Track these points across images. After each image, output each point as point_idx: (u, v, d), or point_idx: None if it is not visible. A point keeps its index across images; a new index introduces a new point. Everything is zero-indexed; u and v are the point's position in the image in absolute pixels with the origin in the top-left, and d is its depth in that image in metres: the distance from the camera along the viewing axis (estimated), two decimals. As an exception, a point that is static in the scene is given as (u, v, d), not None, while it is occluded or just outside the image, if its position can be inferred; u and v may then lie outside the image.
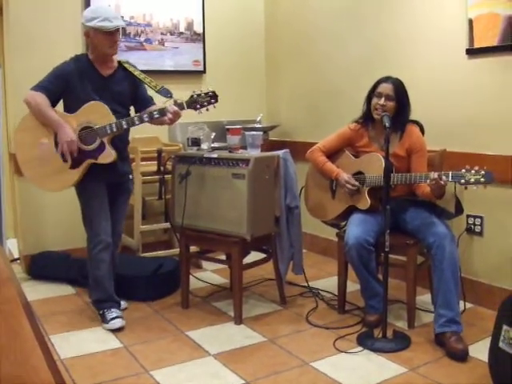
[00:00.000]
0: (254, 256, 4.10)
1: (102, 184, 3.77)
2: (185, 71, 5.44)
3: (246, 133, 3.97)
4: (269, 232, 3.94)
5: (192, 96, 3.69)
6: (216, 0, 5.61)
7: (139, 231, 4.73)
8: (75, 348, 3.43)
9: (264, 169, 3.78)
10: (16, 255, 5.19)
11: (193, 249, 4.30)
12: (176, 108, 3.65)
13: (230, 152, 3.91)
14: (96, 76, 3.72)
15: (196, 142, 4.04)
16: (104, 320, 3.75)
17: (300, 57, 5.53)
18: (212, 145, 4.09)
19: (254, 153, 3.83)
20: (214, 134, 4.13)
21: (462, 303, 3.57)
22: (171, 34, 5.36)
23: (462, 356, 3.18)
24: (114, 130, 3.59)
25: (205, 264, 5.02)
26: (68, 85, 3.66)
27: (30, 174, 3.75)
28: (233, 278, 4.01)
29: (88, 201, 3.79)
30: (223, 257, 4.39)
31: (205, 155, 3.87)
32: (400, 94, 3.63)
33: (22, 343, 1.25)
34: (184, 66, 5.45)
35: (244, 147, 3.99)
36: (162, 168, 4.71)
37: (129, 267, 4.33)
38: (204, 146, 4.03)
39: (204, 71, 5.56)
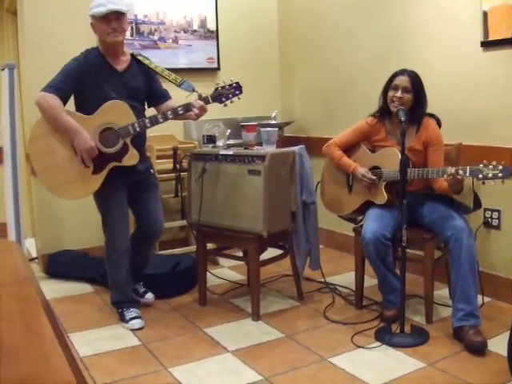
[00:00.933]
0: (270, 252, 4.10)
1: (123, 188, 3.70)
2: (199, 69, 5.44)
3: (262, 129, 3.97)
4: (285, 228, 3.94)
5: (216, 89, 3.60)
6: (229, -3, 5.62)
7: (156, 229, 4.74)
8: (94, 346, 3.45)
9: (280, 165, 3.78)
10: (34, 254, 5.23)
11: (209, 246, 4.31)
12: (202, 102, 3.56)
13: (245, 149, 3.91)
14: (110, 72, 3.60)
15: (211, 140, 4.04)
16: (123, 319, 3.77)
17: (313, 52, 5.52)
18: (227, 142, 4.09)
19: (269, 149, 3.83)
20: (229, 130, 4.13)
21: (480, 297, 3.56)
22: (185, 32, 5.37)
23: (480, 349, 3.17)
24: (138, 129, 3.49)
25: (222, 261, 5.03)
26: (81, 83, 3.51)
27: (49, 183, 3.55)
28: (250, 274, 4.01)
29: (108, 209, 3.70)
30: (240, 253, 4.39)
31: (220, 152, 3.87)
32: (417, 87, 3.61)
33: (42, 342, 1.26)
34: (198, 63, 5.45)
35: (259, 144, 3.99)
36: (177, 166, 4.72)
37: (146, 265, 4.35)
38: (219, 143, 4.03)
39: (218, 68, 5.56)
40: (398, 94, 3.59)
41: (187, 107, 3.54)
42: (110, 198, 3.67)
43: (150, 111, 3.76)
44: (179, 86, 3.67)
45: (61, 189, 3.56)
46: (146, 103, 3.82)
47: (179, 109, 3.54)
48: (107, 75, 3.59)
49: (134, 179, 3.74)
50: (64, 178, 3.52)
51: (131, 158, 3.54)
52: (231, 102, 3.63)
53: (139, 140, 3.65)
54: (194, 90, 3.64)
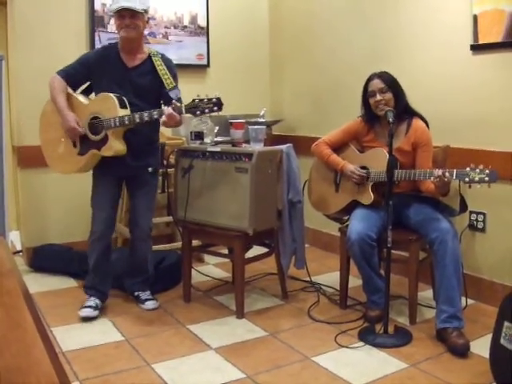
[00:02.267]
0: (256, 250, 4.11)
1: (110, 177, 3.82)
2: (188, 65, 5.43)
3: (250, 127, 3.96)
4: (271, 226, 3.94)
5: (194, 100, 3.52)
6: (220, -6, 5.61)
7: (142, 224, 4.73)
8: (77, 340, 3.43)
9: (267, 163, 3.78)
10: (18, 247, 5.20)
11: (195, 242, 4.30)
12: (171, 111, 3.51)
13: (233, 146, 3.91)
14: (119, 66, 3.74)
15: (199, 136, 4.03)
16: (81, 306, 3.87)
17: (304, 51, 5.52)
18: (215, 139, 4.09)
19: (257, 147, 3.83)
20: (217, 127, 4.13)
21: (463, 299, 3.57)
22: (175, 28, 5.36)
23: (463, 351, 3.18)
24: (117, 124, 3.55)
25: (207, 258, 5.03)
26: (89, 72, 3.75)
27: (46, 155, 3.87)
28: (235, 271, 4.01)
29: (93, 191, 3.88)
30: (225, 251, 4.39)
31: (208, 149, 3.86)
32: (390, 83, 3.64)
33: (24, 335, 1.25)
34: (188, 59, 5.44)
35: (247, 141, 3.99)
36: (164, 162, 4.70)
37: (131, 260, 4.35)
38: (207, 139, 4.02)
39: (208, 65, 5.55)
40: (378, 97, 3.61)
41: (161, 113, 3.55)
42: (98, 184, 3.87)
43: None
44: (168, 91, 3.69)
45: (53, 162, 3.88)
46: (157, 103, 3.77)
47: (154, 113, 3.56)
48: (116, 69, 3.73)
49: (127, 173, 3.84)
50: (57, 153, 3.81)
51: (108, 150, 3.64)
52: (210, 116, 3.58)
53: (133, 135, 3.69)
54: (177, 99, 3.62)
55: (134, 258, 4.04)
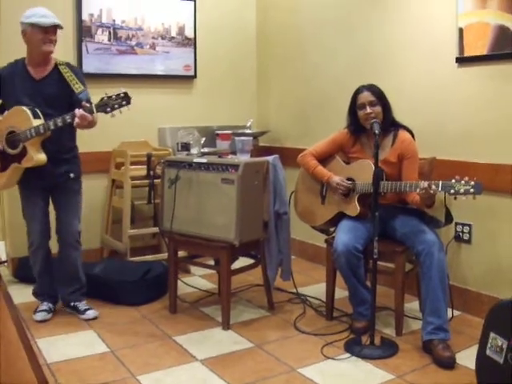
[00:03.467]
0: (242, 261, 4.11)
1: (38, 189, 3.88)
2: (175, 76, 5.43)
3: (236, 138, 3.97)
4: (257, 237, 3.93)
5: (102, 98, 3.56)
6: (208, 5, 5.61)
7: (128, 235, 4.71)
8: (62, 352, 3.40)
9: (253, 174, 3.78)
10: (4, 258, 5.17)
11: (181, 253, 4.29)
12: (82, 112, 3.54)
13: (219, 157, 3.91)
14: (28, 80, 3.78)
15: (186, 147, 4.04)
16: (35, 311, 3.95)
17: (291, 64, 5.53)
18: (202, 150, 4.09)
19: (243, 158, 3.83)
20: (203, 138, 4.13)
21: (449, 311, 3.58)
22: (162, 39, 5.36)
23: (449, 364, 3.18)
24: (34, 134, 3.60)
25: (193, 269, 5.01)
26: (2, 90, 3.79)
27: None
28: (221, 283, 4.00)
29: (23, 206, 3.96)
30: (211, 262, 4.38)
31: (194, 160, 3.86)
32: (379, 96, 3.65)
33: (8, 346, 1.25)
34: (175, 70, 5.43)
35: (234, 152, 3.99)
36: (151, 172, 4.70)
37: (117, 271, 4.34)
38: (194, 150, 4.02)
39: (195, 76, 5.55)
40: (368, 110, 3.61)
41: (73, 116, 3.56)
42: (24, 197, 3.95)
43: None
44: (77, 94, 3.71)
45: None
46: (72, 110, 3.69)
47: (67, 117, 3.58)
48: (24, 83, 3.79)
49: (50, 182, 3.87)
50: None
51: (29, 161, 3.69)
52: (120, 112, 3.55)
53: (50, 143, 3.74)
54: (87, 101, 3.61)
55: (65, 266, 4.02)
